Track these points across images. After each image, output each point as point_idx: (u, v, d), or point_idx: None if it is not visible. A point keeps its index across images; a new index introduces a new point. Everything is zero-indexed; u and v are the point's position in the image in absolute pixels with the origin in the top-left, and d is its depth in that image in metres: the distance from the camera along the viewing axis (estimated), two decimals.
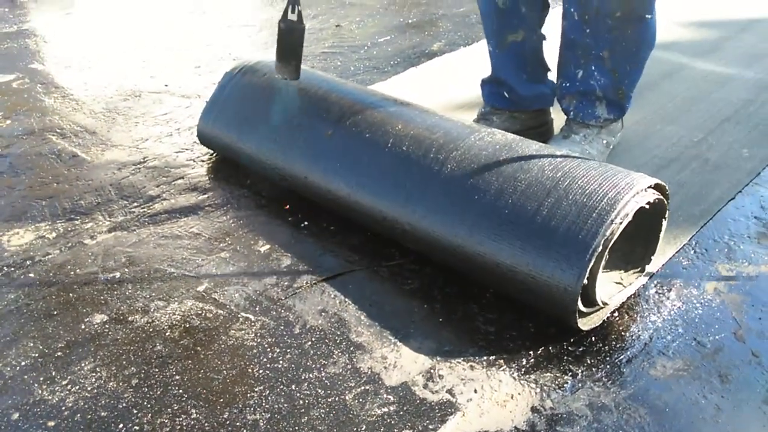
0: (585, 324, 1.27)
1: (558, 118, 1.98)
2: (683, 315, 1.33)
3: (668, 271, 1.45)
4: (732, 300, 1.37)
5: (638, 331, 1.29)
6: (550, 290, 1.22)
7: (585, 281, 1.20)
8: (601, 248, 1.19)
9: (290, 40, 1.64)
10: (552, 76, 1.93)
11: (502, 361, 1.22)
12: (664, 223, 1.36)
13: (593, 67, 1.72)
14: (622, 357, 1.23)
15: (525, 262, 1.24)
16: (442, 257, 1.40)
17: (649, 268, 1.40)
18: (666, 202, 1.34)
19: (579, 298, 1.21)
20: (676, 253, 1.50)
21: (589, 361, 1.22)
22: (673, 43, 2.73)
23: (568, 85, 1.80)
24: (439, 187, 1.37)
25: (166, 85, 2.38)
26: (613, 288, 1.35)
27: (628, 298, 1.37)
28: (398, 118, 1.51)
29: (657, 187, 1.31)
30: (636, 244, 1.38)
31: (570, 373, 1.20)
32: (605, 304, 1.29)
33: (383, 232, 1.49)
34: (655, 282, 1.42)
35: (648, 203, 1.26)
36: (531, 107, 1.95)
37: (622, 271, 1.38)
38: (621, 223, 1.21)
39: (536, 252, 1.23)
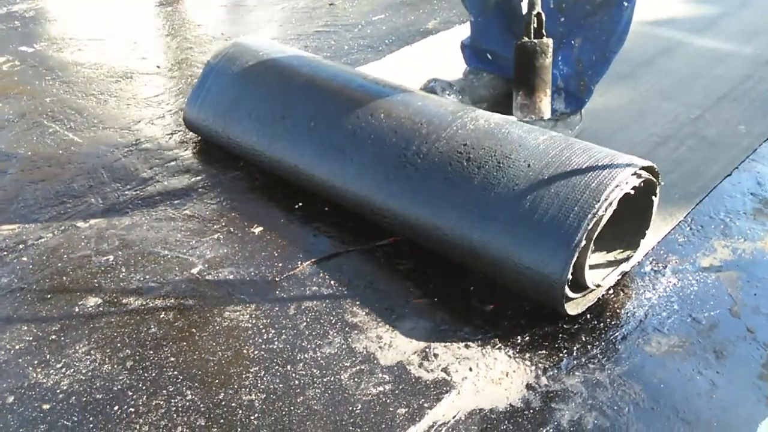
0: (574, 308, 1.26)
1: None
2: (678, 292, 1.33)
3: (664, 247, 1.45)
4: (727, 276, 1.37)
5: (633, 308, 1.29)
6: (537, 283, 1.21)
7: (570, 275, 1.18)
8: (584, 242, 1.17)
9: (535, 65, 1.25)
10: None
11: (497, 339, 1.22)
12: (656, 200, 1.34)
13: (559, 57, 1.67)
14: (617, 334, 1.23)
15: (509, 257, 1.23)
16: (430, 246, 1.39)
17: (644, 245, 1.40)
18: (656, 180, 1.31)
19: (566, 287, 1.19)
20: (672, 229, 1.50)
21: (584, 339, 1.22)
22: (671, 19, 2.70)
23: None
24: (421, 180, 1.34)
25: (158, 67, 2.36)
26: (605, 269, 1.33)
27: (623, 276, 1.36)
28: (380, 106, 1.47)
29: (645, 168, 1.28)
30: (628, 223, 1.36)
31: (565, 351, 1.20)
32: (598, 285, 1.29)
33: (371, 220, 1.48)
34: (651, 259, 1.41)
35: (633, 188, 1.24)
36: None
37: (615, 251, 1.37)
38: (604, 213, 1.18)
39: (520, 247, 1.21)
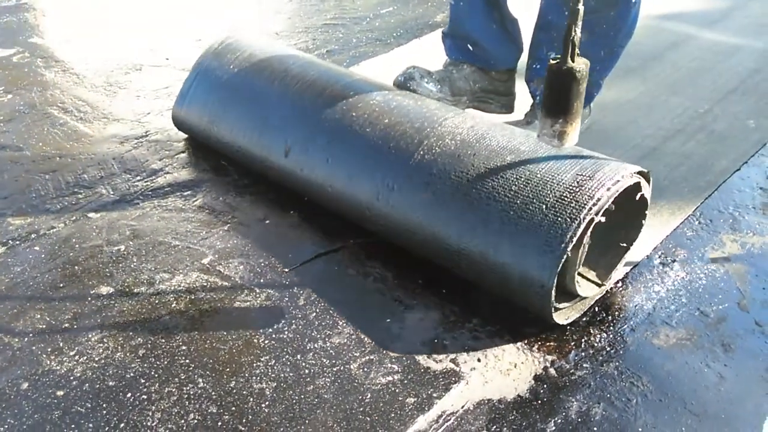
0: (562, 317, 1.23)
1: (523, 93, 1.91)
2: (687, 285, 1.33)
3: (672, 241, 1.45)
4: (736, 270, 1.37)
5: (642, 301, 1.30)
6: (523, 299, 1.21)
7: (553, 298, 1.16)
8: (571, 248, 1.13)
9: (566, 89, 1.14)
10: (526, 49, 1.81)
11: (505, 331, 1.23)
12: (647, 193, 1.29)
13: None
14: (625, 327, 1.24)
15: (492, 273, 1.21)
16: (421, 254, 1.38)
17: (649, 242, 1.39)
18: (647, 185, 1.27)
19: (553, 300, 1.17)
20: (681, 223, 1.50)
21: (592, 331, 1.23)
22: (680, 13, 2.69)
23: (538, 67, 1.72)
24: (405, 192, 1.31)
25: (167, 59, 2.36)
26: (593, 279, 1.31)
27: (632, 269, 1.37)
28: (364, 114, 1.43)
29: (639, 174, 1.24)
30: (616, 235, 1.33)
31: (573, 343, 1.20)
32: (602, 284, 1.29)
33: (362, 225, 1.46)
34: (660, 253, 1.42)
35: (623, 196, 1.20)
36: (497, 66, 1.80)
37: (604, 261, 1.33)
38: (587, 231, 1.15)
39: (507, 256, 1.19)
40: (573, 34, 1.08)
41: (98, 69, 2.28)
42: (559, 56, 1.12)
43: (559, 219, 1.14)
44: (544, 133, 1.17)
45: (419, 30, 2.62)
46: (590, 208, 1.14)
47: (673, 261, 1.39)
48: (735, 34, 2.49)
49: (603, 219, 1.16)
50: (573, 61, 1.11)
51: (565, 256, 1.13)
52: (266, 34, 2.59)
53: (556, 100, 1.14)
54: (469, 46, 1.77)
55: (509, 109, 1.87)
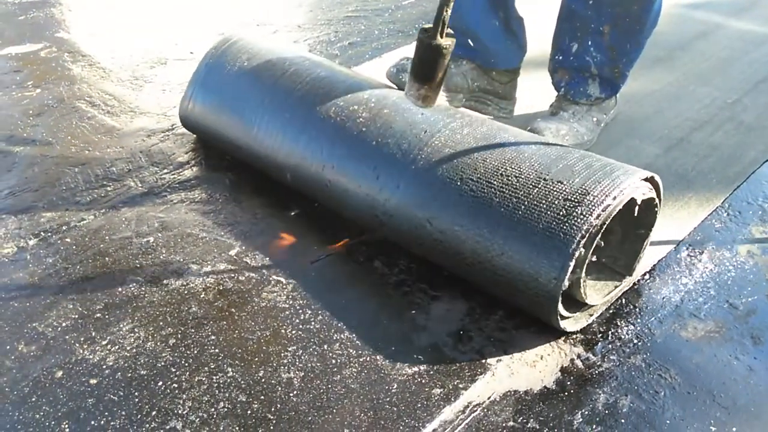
0: (570, 325, 1.21)
1: (532, 90, 1.88)
2: (715, 277, 1.32)
3: (701, 233, 1.43)
4: (765, 262, 1.35)
5: (669, 293, 1.29)
6: (531, 296, 1.17)
7: (560, 309, 1.15)
8: (579, 253, 1.12)
9: (432, 61, 1.26)
10: (542, 45, 1.78)
11: (531, 322, 1.23)
12: (655, 221, 1.27)
13: (590, 42, 1.62)
14: (652, 319, 1.23)
15: (503, 269, 1.18)
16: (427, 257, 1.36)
17: (676, 234, 1.38)
18: (657, 195, 1.24)
19: (560, 309, 1.16)
20: (709, 215, 1.48)
21: (619, 323, 1.22)
22: (708, 1, 2.64)
23: (561, 58, 1.70)
24: (411, 195, 1.29)
25: (191, 53, 2.39)
26: (600, 288, 1.27)
27: (659, 261, 1.36)
28: (371, 114, 1.40)
29: (648, 180, 1.21)
30: (625, 244, 1.30)
31: (600, 335, 1.20)
32: (623, 280, 1.27)
33: (367, 227, 1.44)
34: (687, 245, 1.40)
35: (633, 204, 1.17)
36: (498, 65, 1.77)
37: (610, 272, 1.30)
38: (601, 223, 1.12)
39: (514, 258, 1.16)
40: (444, 13, 1.17)
41: (124, 63, 2.31)
42: (431, 26, 1.20)
43: (566, 225, 1.12)
44: (411, 95, 1.28)
45: None
46: (597, 216, 1.12)
47: (701, 253, 1.38)
48: (764, 23, 2.44)
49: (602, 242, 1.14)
50: (442, 38, 1.19)
51: (573, 262, 1.11)
52: (287, 28, 2.61)
53: (424, 69, 1.25)
54: (469, 41, 1.73)
55: (508, 114, 1.84)
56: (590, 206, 1.12)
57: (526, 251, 1.14)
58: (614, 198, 1.13)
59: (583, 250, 1.11)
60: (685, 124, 1.82)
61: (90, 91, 2.12)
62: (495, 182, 1.21)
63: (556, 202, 1.14)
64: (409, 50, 2.33)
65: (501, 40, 1.74)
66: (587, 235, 1.11)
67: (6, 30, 2.59)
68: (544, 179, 1.18)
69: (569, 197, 1.14)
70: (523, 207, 1.16)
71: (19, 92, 2.12)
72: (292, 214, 1.53)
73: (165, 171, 1.70)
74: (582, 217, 1.11)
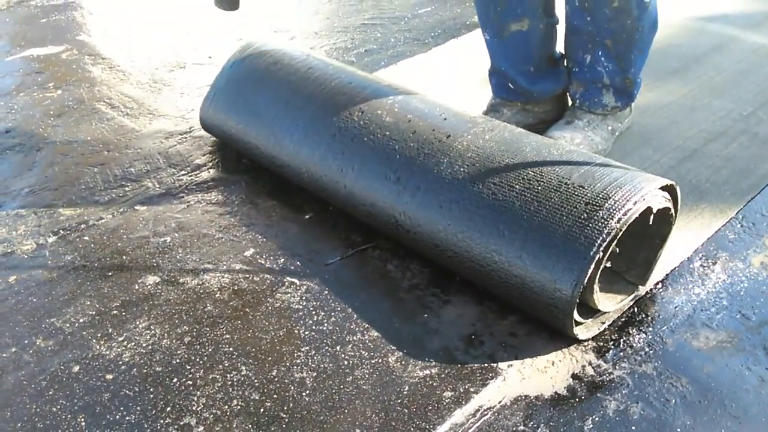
0: (582, 332, 1.21)
1: None
2: (728, 288, 1.32)
3: (714, 243, 1.44)
4: None
5: (681, 303, 1.29)
6: (545, 313, 1.19)
7: (576, 313, 1.15)
8: (597, 258, 1.12)
9: None
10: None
11: (543, 328, 1.23)
12: (671, 230, 1.27)
13: (600, 53, 1.64)
14: (664, 328, 1.23)
15: (519, 275, 1.19)
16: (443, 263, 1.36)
17: (690, 244, 1.38)
18: (674, 204, 1.25)
19: (575, 315, 1.16)
20: (723, 226, 1.48)
21: (630, 331, 1.23)
22: (724, 14, 2.64)
23: (576, 70, 1.72)
24: (431, 197, 1.30)
25: (210, 57, 2.42)
26: (613, 296, 1.28)
27: (672, 270, 1.36)
28: (395, 118, 1.42)
29: (666, 188, 1.22)
30: (639, 254, 1.30)
31: (612, 342, 1.20)
32: (636, 289, 1.28)
33: (386, 233, 1.45)
34: (700, 255, 1.41)
35: (651, 212, 1.18)
36: (542, 97, 1.80)
37: (624, 280, 1.30)
38: (620, 229, 1.13)
39: (530, 264, 1.17)
40: None
41: (143, 66, 2.35)
42: None
43: (586, 231, 1.13)
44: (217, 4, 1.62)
45: (457, 30, 2.62)
46: (616, 224, 1.12)
47: (714, 263, 1.38)
48: None
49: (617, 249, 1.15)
50: None
51: (592, 266, 1.12)
52: (304, 35, 2.63)
53: None
54: (509, 84, 1.78)
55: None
56: (611, 210, 1.13)
57: (545, 254, 1.15)
58: (635, 203, 1.15)
59: (601, 253, 1.12)
60: (699, 136, 1.82)
61: (110, 93, 2.16)
62: (517, 186, 1.22)
63: (578, 206, 1.16)
64: (424, 58, 2.35)
65: (539, 81, 1.77)
66: (608, 239, 1.12)
67: (28, 32, 2.64)
68: (566, 184, 1.20)
69: (590, 201, 1.16)
70: (544, 210, 1.18)
71: (41, 93, 2.16)
72: (307, 217, 1.55)
73: (182, 172, 1.72)
74: (603, 221, 1.13)
